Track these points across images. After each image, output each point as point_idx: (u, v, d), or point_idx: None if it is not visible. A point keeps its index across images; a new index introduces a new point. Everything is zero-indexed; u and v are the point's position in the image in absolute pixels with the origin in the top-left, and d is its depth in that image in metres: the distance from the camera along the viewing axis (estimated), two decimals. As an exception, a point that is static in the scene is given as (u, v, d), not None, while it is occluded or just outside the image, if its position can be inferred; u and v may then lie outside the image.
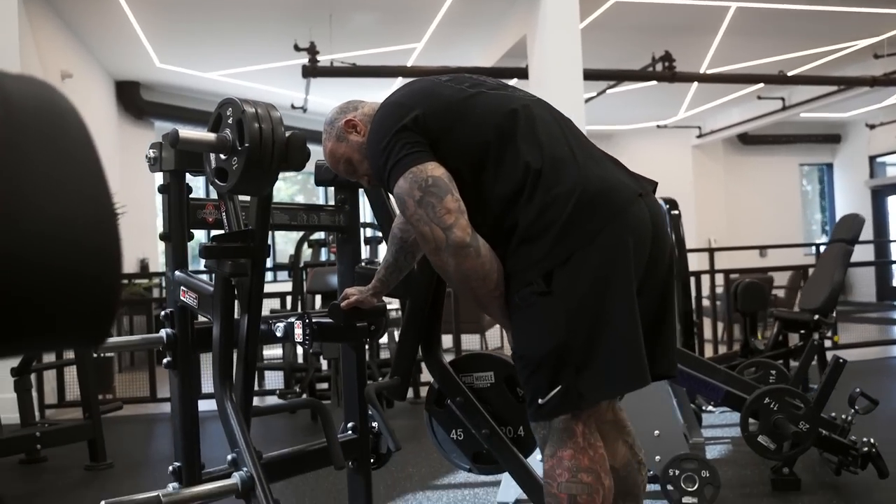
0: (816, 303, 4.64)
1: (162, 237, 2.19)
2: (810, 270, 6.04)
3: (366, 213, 2.69)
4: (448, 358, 2.44)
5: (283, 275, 8.94)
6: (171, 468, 2.13)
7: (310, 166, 2.41)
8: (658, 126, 13.34)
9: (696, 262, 7.90)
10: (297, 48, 7.72)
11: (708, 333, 6.90)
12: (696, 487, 2.87)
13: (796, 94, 11.23)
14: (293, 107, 9.79)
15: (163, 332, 2.16)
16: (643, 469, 1.98)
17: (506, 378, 2.32)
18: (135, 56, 8.59)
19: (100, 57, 8.55)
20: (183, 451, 2.10)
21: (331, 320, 2.26)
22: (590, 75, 7.25)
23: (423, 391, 4.37)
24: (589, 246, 1.67)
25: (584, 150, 1.82)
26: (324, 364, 5.57)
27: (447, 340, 6.36)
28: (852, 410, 3.11)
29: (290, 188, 13.18)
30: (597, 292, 1.67)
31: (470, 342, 6.69)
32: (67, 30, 7.46)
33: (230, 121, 1.86)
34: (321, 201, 9.64)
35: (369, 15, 7.87)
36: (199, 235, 2.31)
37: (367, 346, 5.48)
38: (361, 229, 5.18)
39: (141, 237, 8.32)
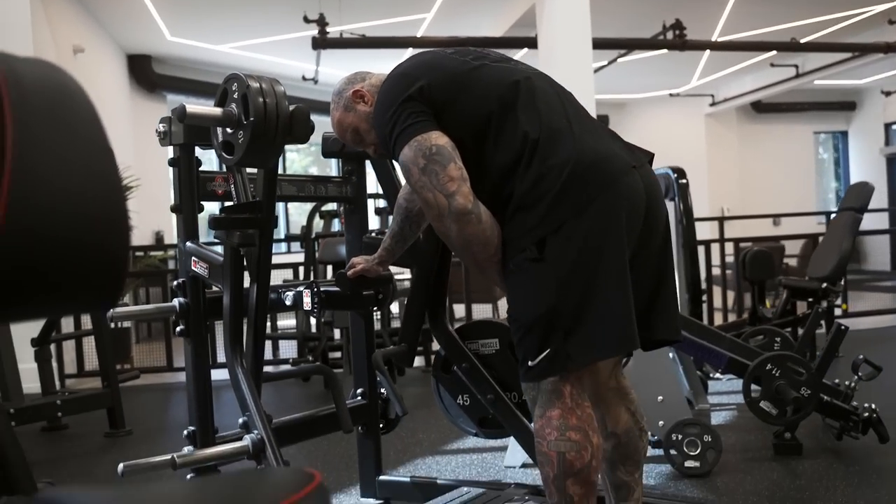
0: (824, 271, 4.66)
1: (173, 209, 2.26)
2: (821, 239, 6.05)
3: (374, 184, 2.74)
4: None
5: (296, 245, 9.01)
6: (185, 432, 2.21)
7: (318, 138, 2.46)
8: (670, 94, 13.25)
9: (708, 230, 7.91)
10: (306, 20, 7.71)
11: (718, 302, 6.93)
12: (698, 452, 2.93)
13: (810, 61, 11.11)
14: (304, 78, 9.80)
15: (175, 302, 2.23)
16: (644, 436, 2.04)
17: (510, 344, 2.37)
18: (146, 30, 8.62)
19: (111, 31, 8.58)
20: (197, 415, 2.18)
21: (338, 289, 2.32)
22: (599, 44, 7.22)
23: (434, 359, 4.44)
24: (581, 215, 1.72)
25: (582, 122, 1.86)
26: (336, 333, 5.65)
27: (459, 310, 6.44)
28: (856, 377, 3.15)
29: (303, 159, 13.24)
30: (587, 260, 1.72)
31: (482, 312, 6.75)
32: (79, 4, 7.49)
33: (235, 95, 1.91)
34: (334, 172, 9.66)
35: (379, -15, 7.86)
36: (210, 207, 2.37)
37: (378, 315, 5.60)
38: (372, 200, 5.25)
39: (155, 209, 8.39)
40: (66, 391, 4.79)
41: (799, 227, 9.26)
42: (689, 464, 2.93)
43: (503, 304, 8.12)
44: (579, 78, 6.37)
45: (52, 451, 3.90)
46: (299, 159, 13.19)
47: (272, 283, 2.26)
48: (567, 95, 1.93)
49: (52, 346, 4.58)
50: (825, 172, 15.41)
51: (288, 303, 2.32)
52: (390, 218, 2.42)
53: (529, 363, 1.77)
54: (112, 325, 5.47)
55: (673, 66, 11.22)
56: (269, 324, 6.25)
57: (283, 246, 9.84)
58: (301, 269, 6.11)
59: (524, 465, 3.16)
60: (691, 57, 10.39)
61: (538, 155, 1.75)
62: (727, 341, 3.35)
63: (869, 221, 4.48)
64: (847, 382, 3.19)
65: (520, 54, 9.24)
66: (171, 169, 2.24)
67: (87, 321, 5.08)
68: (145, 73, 9.56)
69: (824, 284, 4.61)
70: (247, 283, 2.17)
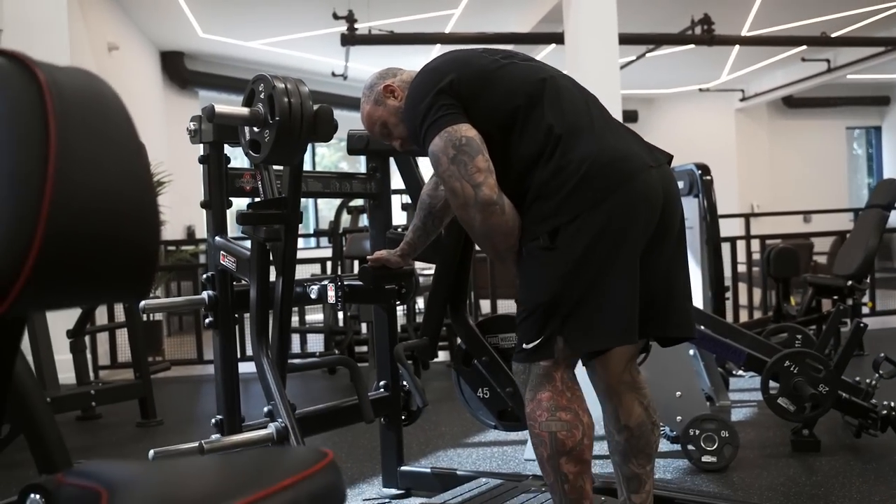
0: (850, 268, 4.65)
1: (203, 205, 2.34)
2: (848, 236, 6.00)
3: (399, 180, 2.81)
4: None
5: (325, 240, 9.13)
6: (213, 420, 2.29)
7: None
8: (700, 90, 13.16)
9: (737, 227, 7.88)
10: (335, 16, 7.81)
11: (744, 299, 6.91)
12: (715, 447, 2.96)
13: (842, 55, 10.99)
14: (333, 74, 9.91)
15: (205, 294, 2.31)
16: (656, 430, 2.08)
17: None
18: (178, 27, 8.77)
19: (145, 28, 8.74)
20: (224, 403, 2.26)
21: (361, 283, 2.39)
22: (626, 39, 7.22)
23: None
24: (596, 208, 1.78)
25: (604, 121, 1.93)
26: (363, 328, 5.74)
27: (485, 305, 6.50)
28: (876, 375, 3.16)
29: (333, 154, 13.37)
30: (597, 252, 1.78)
31: (507, 307, 6.80)
32: (114, 3, 7.64)
33: (262, 96, 1.98)
34: (363, 166, 9.78)
35: (407, -18, 7.92)
36: (239, 203, 2.45)
37: (404, 310, 5.67)
38: (398, 196, 5.31)
39: (187, 205, 8.54)
40: (100, 382, 4.92)
41: (830, 224, 9.19)
42: (706, 459, 2.96)
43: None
44: (606, 73, 6.40)
45: (87, 439, 4.03)
46: (329, 154, 13.32)
47: (300, 277, 2.34)
48: (590, 96, 2.00)
49: (87, 338, 4.70)
50: (859, 168, 15.22)
51: (313, 296, 2.39)
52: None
53: (525, 345, 1.84)
54: (144, 317, 5.61)
55: (702, 61, 11.16)
56: (296, 318, 6.36)
57: (313, 241, 9.96)
58: (329, 263, 6.21)
59: (544, 458, 3.21)
60: (721, 52, 10.33)
61: (560, 148, 1.82)
62: (747, 338, 3.38)
63: (901, 219, 4.47)
64: (868, 380, 3.20)
65: (547, 50, 9.26)
66: (201, 165, 2.32)
67: (120, 314, 5.22)
68: (178, 69, 9.71)
69: (849, 282, 4.61)
70: (273, 276, 2.25)
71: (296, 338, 6.30)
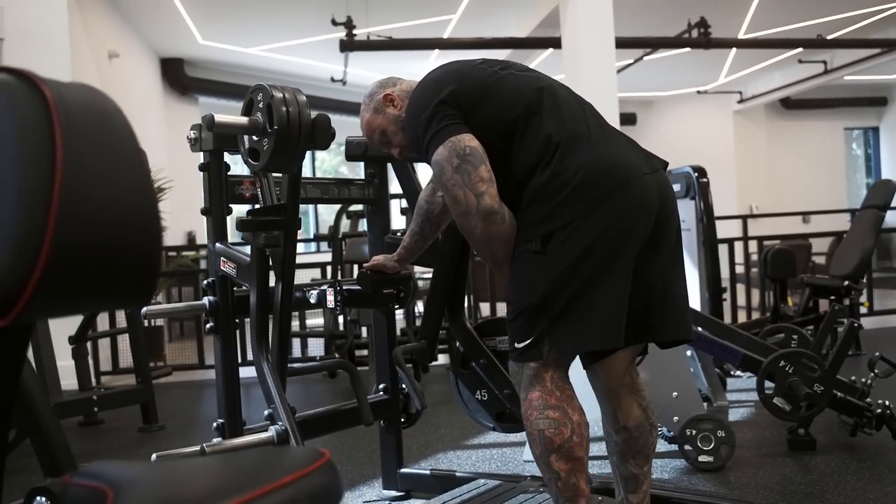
0: (846, 269, 4.67)
1: (203, 212, 2.37)
2: (845, 237, 6.03)
3: (397, 185, 2.85)
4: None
5: (325, 245, 9.17)
6: (214, 424, 2.33)
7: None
8: (698, 92, 13.21)
9: (735, 228, 7.91)
10: (334, 23, 7.85)
11: (742, 300, 6.95)
12: (712, 447, 2.99)
13: (839, 57, 11.03)
14: (332, 80, 9.95)
15: (205, 300, 2.34)
16: (654, 431, 2.11)
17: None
18: (178, 34, 8.81)
19: (145, 35, 8.79)
20: (225, 407, 2.29)
21: (359, 287, 2.42)
22: (623, 43, 7.26)
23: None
24: (590, 216, 1.81)
25: (600, 129, 1.97)
26: (364, 332, 5.77)
27: (485, 308, 6.53)
28: (872, 374, 3.19)
29: (333, 159, 13.42)
30: (588, 259, 1.81)
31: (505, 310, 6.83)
32: (114, 10, 7.69)
33: (261, 105, 2.02)
34: (363, 171, 9.82)
35: (405, -13, 7.96)
36: (238, 209, 2.49)
37: (404, 314, 5.70)
38: (397, 200, 5.35)
39: (188, 210, 8.57)
40: (102, 387, 4.95)
41: (828, 225, 9.21)
42: (702, 458, 2.99)
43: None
44: (603, 77, 6.43)
45: (89, 445, 4.06)
46: (329, 159, 13.37)
47: (300, 281, 2.38)
48: (586, 104, 2.04)
49: (89, 344, 4.74)
50: (858, 169, 15.25)
51: (312, 301, 2.43)
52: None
53: (516, 345, 1.90)
54: (146, 323, 5.64)
55: (700, 64, 11.20)
56: (297, 322, 6.39)
57: (313, 245, 9.99)
58: (329, 268, 6.24)
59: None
60: (718, 54, 10.37)
61: (557, 156, 1.86)
62: (743, 338, 3.41)
63: (896, 218, 4.49)
64: (864, 379, 3.23)
65: (545, 55, 9.31)
66: (201, 172, 2.36)
67: (121, 320, 5.25)
68: (178, 76, 9.76)
69: (846, 282, 4.63)
70: (272, 282, 2.28)
71: (297, 342, 6.33)
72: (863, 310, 6.30)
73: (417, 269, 2.62)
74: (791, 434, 3.22)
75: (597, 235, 1.81)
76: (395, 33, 8.48)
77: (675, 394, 3.07)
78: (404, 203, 6.23)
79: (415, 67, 10.39)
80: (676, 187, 4.48)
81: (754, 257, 7.05)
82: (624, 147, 1.96)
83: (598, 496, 2.33)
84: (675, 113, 13.75)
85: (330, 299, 2.39)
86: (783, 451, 3.20)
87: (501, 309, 6.29)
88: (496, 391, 2.52)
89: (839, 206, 13.06)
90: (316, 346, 6.34)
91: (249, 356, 4.40)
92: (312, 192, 2.65)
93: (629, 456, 2.07)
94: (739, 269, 6.99)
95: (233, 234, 2.43)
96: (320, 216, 12.09)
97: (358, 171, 2.88)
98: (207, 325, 2.34)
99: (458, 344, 2.61)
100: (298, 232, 2.28)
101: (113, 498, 0.75)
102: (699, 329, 3.33)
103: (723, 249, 5.70)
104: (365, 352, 5.76)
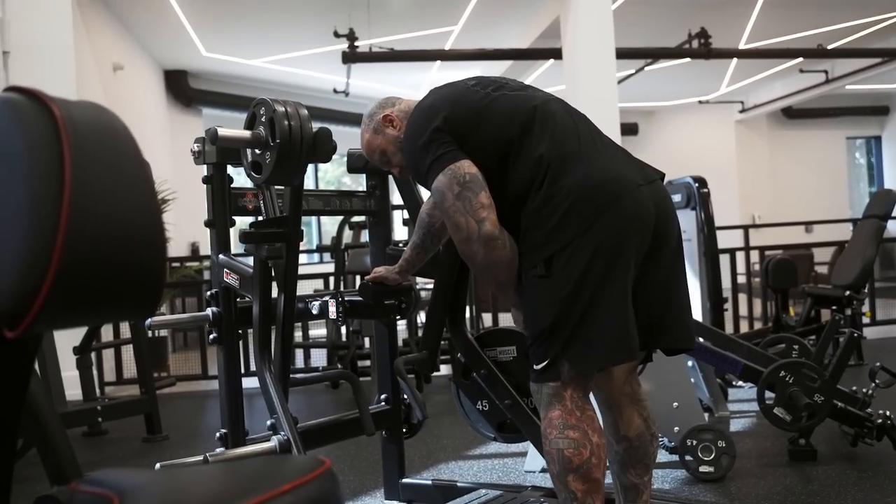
0: (848, 279, 4.69)
1: (206, 224, 2.40)
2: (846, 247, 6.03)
3: (398, 196, 2.88)
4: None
5: (328, 256, 9.20)
6: (217, 434, 2.34)
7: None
8: (700, 102, 13.24)
9: (738, 238, 7.92)
10: (336, 35, 7.90)
11: (744, 310, 6.95)
12: (712, 457, 3.00)
13: (840, 66, 11.06)
14: (335, 91, 10.00)
15: (209, 311, 2.36)
16: (655, 441, 2.13)
17: (527, 352, 2.47)
18: (182, 46, 8.87)
19: (149, 48, 8.85)
20: (228, 417, 2.31)
21: (361, 298, 2.44)
22: (623, 54, 7.30)
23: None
24: (587, 233, 1.83)
25: (593, 143, 1.98)
26: (367, 342, 5.78)
27: (487, 319, 6.55)
28: (873, 384, 3.21)
29: (336, 169, 13.46)
30: (590, 275, 1.83)
31: (509, 321, 6.85)
32: (118, 23, 7.75)
33: (263, 119, 2.04)
34: (365, 182, 9.87)
35: (406, -1, 8.02)
36: (242, 221, 2.51)
37: (406, 325, 5.72)
38: (401, 212, 5.39)
39: (191, 221, 8.59)
40: (106, 398, 4.98)
41: (831, 235, 9.22)
42: (703, 469, 3.00)
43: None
44: (604, 87, 6.47)
45: (93, 455, 4.07)
46: (332, 169, 13.41)
47: (302, 292, 2.40)
48: (580, 117, 2.05)
49: (93, 355, 4.76)
50: (860, 178, 15.26)
51: (314, 312, 2.45)
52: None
53: (535, 367, 1.91)
54: (150, 334, 5.67)
55: (701, 74, 11.25)
56: (300, 333, 6.41)
57: (316, 256, 10.02)
58: (331, 278, 6.26)
59: (544, 470, 3.25)
60: (720, 64, 10.41)
61: (549, 176, 1.88)
62: (744, 349, 3.42)
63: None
64: (864, 389, 3.24)
65: (546, 65, 9.35)
66: (205, 185, 2.39)
67: (125, 331, 5.28)
68: (182, 88, 9.82)
69: (847, 292, 4.65)
70: (275, 293, 2.31)
71: (299, 352, 6.35)
72: (865, 320, 6.30)
73: (419, 279, 2.64)
74: (792, 444, 3.23)
75: (595, 251, 1.83)
76: (397, 45, 8.53)
77: (675, 404, 3.09)
78: (406, 214, 6.27)
79: (417, 78, 10.45)
80: (677, 198, 4.50)
81: (756, 267, 7.06)
82: (617, 160, 1.97)
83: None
84: (676, 123, 13.79)
85: (332, 310, 2.41)
86: (784, 462, 3.21)
87: (503, 319, 6.31)
88: (497, 401, 2.54)
89: (842, 215, 13.07)
90: (318, 357, 6.36)
91: (252, 367, 4.43)
92: (314, 203, 2.67)
93: (630, 466, 2.09)
94: (741, 279, 6.99)
95: (236, 246, 2.45)
96: (323, 226, 12.12)
97: (360, 181, 2.90)
98: (211, 336, 2.36)
99: (459, 354, 2.63)
100: (301, 243, 2.30)
101: (119, 503, 0.77)
102: (700, 339, 3.34)
103: (724, 260, 5.71)
104: (367, 362, 5.77)
